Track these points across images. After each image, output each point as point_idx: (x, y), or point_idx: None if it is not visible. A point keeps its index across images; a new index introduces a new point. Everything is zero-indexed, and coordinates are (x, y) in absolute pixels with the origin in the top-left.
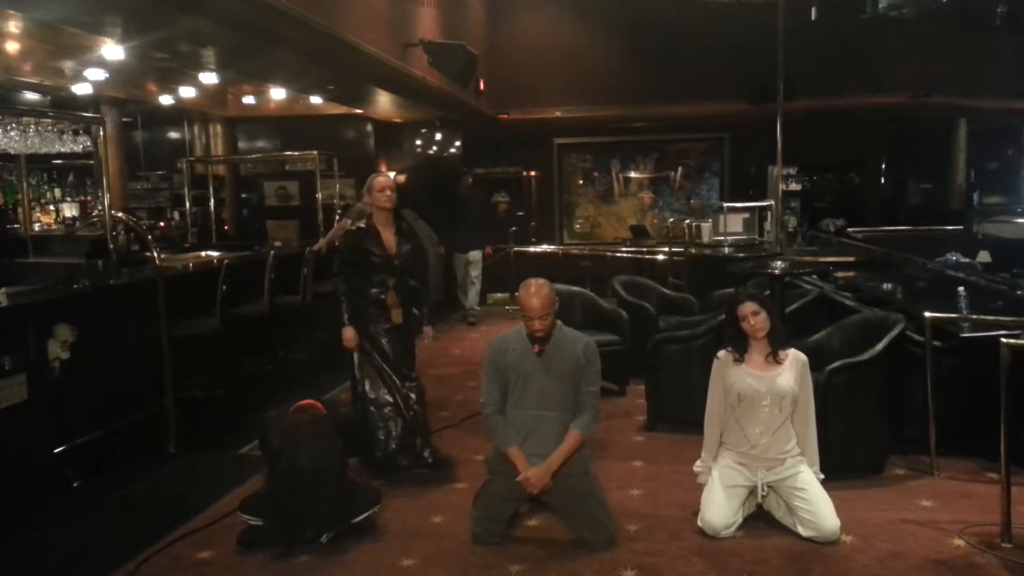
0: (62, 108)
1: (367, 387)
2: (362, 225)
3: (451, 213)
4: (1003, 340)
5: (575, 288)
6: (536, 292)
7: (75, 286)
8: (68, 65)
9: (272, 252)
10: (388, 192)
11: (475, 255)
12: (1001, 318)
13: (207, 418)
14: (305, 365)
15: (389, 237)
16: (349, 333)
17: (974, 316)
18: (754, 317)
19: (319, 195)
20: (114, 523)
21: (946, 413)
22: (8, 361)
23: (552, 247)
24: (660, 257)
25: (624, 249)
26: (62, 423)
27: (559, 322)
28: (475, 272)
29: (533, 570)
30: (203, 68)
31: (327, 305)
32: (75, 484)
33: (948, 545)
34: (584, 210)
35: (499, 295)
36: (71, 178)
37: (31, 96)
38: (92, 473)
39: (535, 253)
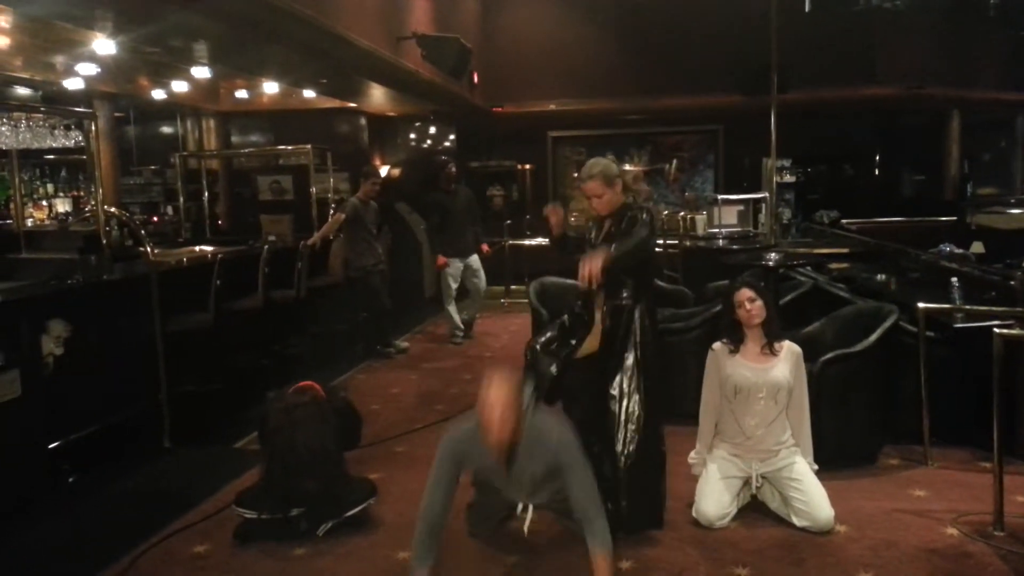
0: (53, 103)
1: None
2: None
3: (437, 212)
4: (996, 330)
5: (569, 281)
6: (495, 398)
7: (68, 281)
8: (59, 60)
9: (266, 247)
10: (594, 201)
11: (475, 260)
12: (994, 308)
13: (202, 413)
14: (300, 359)
15: (604, 228)
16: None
17: (967, 307)
18: (751, 304)
19: (313, 189)
20: (109, 518)
21: (939, 403)
22: (1, 357)
23: (546, 240)
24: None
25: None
26: (56, 419)
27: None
28: (481, 282)
29: (529, 562)
30: (195, 62)
31: (321, 300)
32: (70, 479)
33: (941, 534)
34: (579, 203)
35: (494, 288)
36: (63, 173)
37: (22, 91)
38: (87, 468)
39: (530, 246)
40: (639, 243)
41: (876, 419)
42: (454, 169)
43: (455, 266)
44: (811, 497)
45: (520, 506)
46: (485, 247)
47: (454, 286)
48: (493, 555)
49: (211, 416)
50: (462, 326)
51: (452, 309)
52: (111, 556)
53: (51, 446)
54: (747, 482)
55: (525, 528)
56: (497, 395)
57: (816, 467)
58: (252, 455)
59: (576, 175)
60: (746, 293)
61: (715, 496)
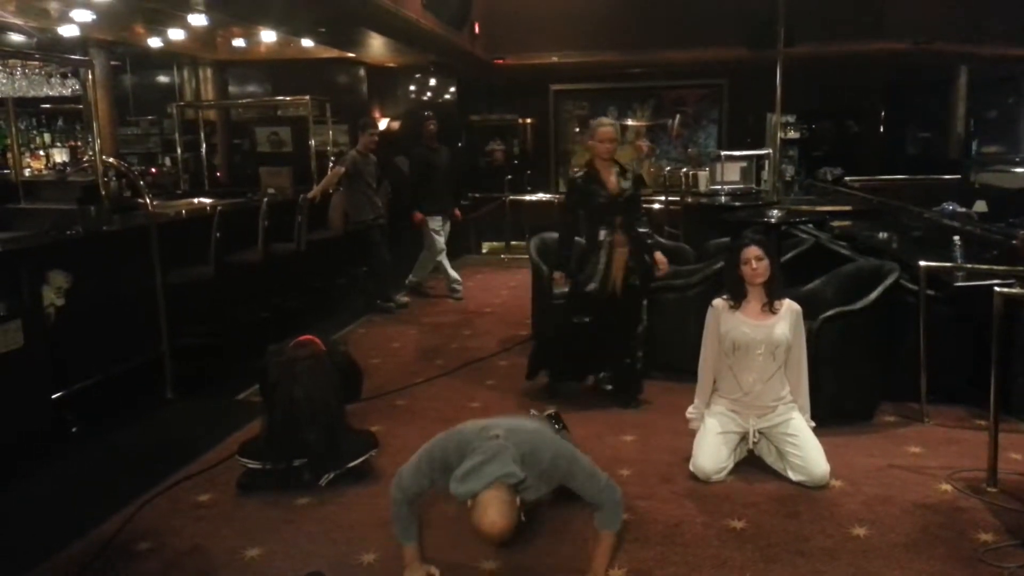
0: (48, 51)
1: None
2: (578, 172)
3: (421, 167)
4: (996, 289)
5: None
6: (496, 520)
7: (68, 232)
8: (54, 6)
9: (265, 199)
10: (608, 145)
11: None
12: (995, 267)
13: (204, 365)
14: (300, 313)
15: (611, 178)
16: (557, 276)
17: (968, 265)
18: (757, 262)
19: (312, 142)
20: (113, 467)
21: (937, 361)
22: (3, 307)
23: (547, 196)
24: (656, 206)
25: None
26: (59, 369)
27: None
28: (441, 242)
29: (528, 513)
30: (192, 9)
31: (321, 253)
32: (73, 429)
33: (935, 490)
34: (580, 158)
35: (495, 244)
36: (60, 123)
37: (16, 38)
38: (90, 419)
39: (530, 202)
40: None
41: (874, 377)
42: (434, 126)
43: (436, 222)
44: (807, 452)
45: None
46: (458, 213)
47: (441, 239)
48: None
49: (212, 368)
50: (458, 277)
51: (445, 263)
52: (115, 505)
53: (54, 396)
54: (744, 437)
55: None
56: (493, 523)
57: (813, 424)
58: (254, 407)
59: (578, 129)
60: (754, 251)
61: (712, 451)
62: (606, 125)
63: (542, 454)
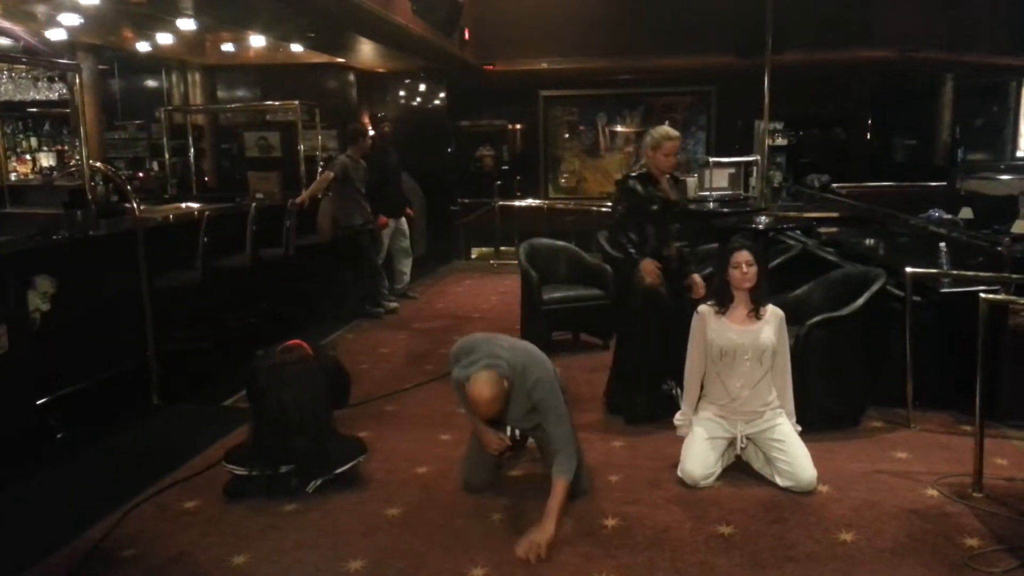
0: (36, 54)
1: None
2: (633, 173)
3: (379, 170)
4: (982, 295)
5: (560, 243)
6: (483, 390)
7: (54, 237)
8: (40, 9)
9: (254, 204)
10: (672, 159)
11: (404, 222)
12: (981, 274)
13: (190, 370)
14: (288, 318)
15: (665, 185)
16: (650, 266)
17: (954, 271)
18: (748, 267)
19: (301, 147)
20: (99, 473)
21: (923, 367)
22: None
23: (537, 201)
24: None
25: (609, 204)
26: (44, 375)
27: (507, 375)
28: (405, 243)
29: (516, 518)
30: (180, 13)
31: (310, 259)
32: (59, 435)
33: (921, 495)
34: (569, 164)
35: (484, 249)
36: (47, 127)
37: (2, 42)
38: (76, 424)
39: (519, 207)
40: None
41: (861, 382)
42: (389, 129)
43: (391, 225)
44: (794, 458)
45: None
46: (411, 211)
47: (387, 241)
48: (480, 510)
49: (199, 374)
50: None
51: (401, 267)
52: (101, 511)
53: (39, 402)
54: (732, 443)
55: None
56: (481, 392)
57: (800, 428)
58: (241, 413)
59: (566, 135)
60: (745, 256)
61: (700, 456)
62: (674, 139)
63: (531, 374)
